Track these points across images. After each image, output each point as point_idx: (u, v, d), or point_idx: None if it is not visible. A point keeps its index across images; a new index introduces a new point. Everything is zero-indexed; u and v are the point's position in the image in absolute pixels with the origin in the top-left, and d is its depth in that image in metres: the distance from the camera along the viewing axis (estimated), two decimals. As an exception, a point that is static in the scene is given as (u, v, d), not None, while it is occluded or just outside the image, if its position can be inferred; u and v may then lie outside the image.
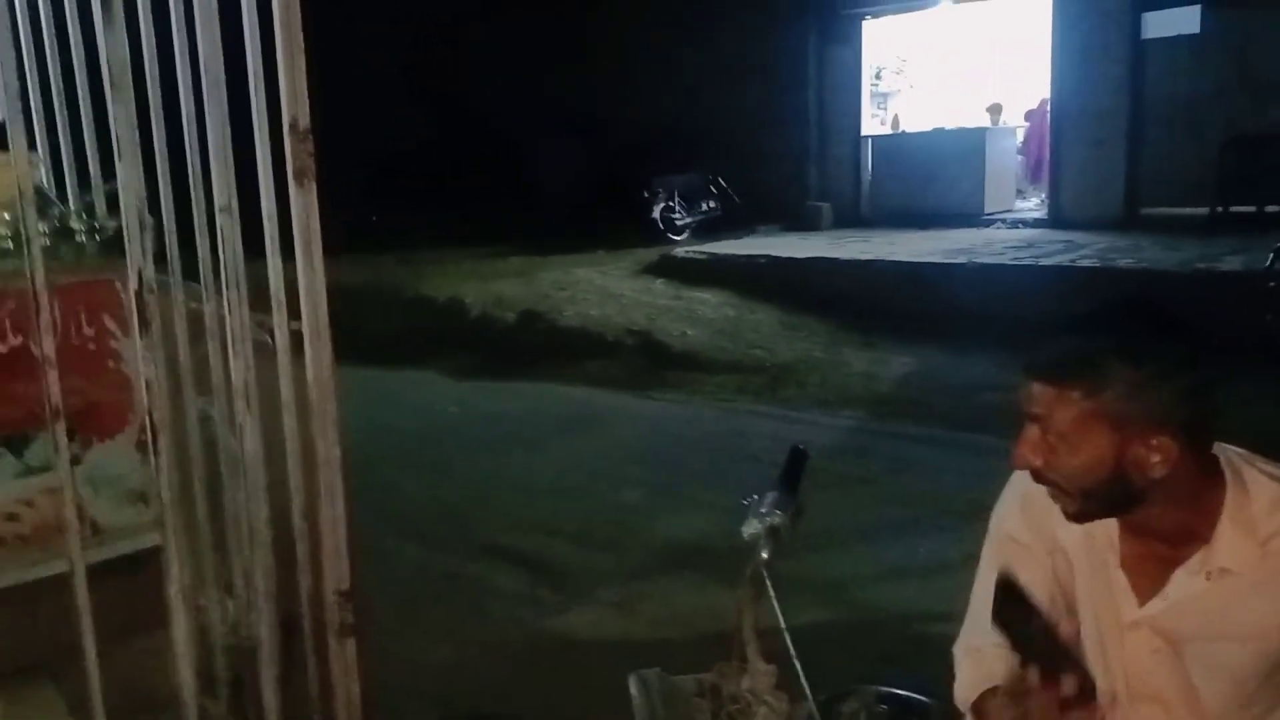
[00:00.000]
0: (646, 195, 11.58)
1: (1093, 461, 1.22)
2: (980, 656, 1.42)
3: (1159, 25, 10.21)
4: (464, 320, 9.03)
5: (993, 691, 1.37)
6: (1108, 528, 1.34)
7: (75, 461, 1.74)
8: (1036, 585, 1.38)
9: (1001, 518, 1.46)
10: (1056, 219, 10.83)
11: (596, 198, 12.62)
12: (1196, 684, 1.30)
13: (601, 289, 9.53)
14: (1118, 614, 1.35)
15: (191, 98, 1.93)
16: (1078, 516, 1.29)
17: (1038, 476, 1.29)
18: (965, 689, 1.43)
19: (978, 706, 1.41)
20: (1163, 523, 1.28)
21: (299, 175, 1.72)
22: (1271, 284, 6.41)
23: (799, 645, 1.38)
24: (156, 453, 1.68)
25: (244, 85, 1.78)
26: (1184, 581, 1.28)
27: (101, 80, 1.78)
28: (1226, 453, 1.28)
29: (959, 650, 1.48)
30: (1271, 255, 6.59)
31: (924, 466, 5.33)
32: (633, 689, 1.48)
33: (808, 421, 6.31)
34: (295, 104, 1.71)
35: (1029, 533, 1.41)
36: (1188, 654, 1.31)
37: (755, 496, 1.54)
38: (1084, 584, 1.38)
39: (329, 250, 1.80)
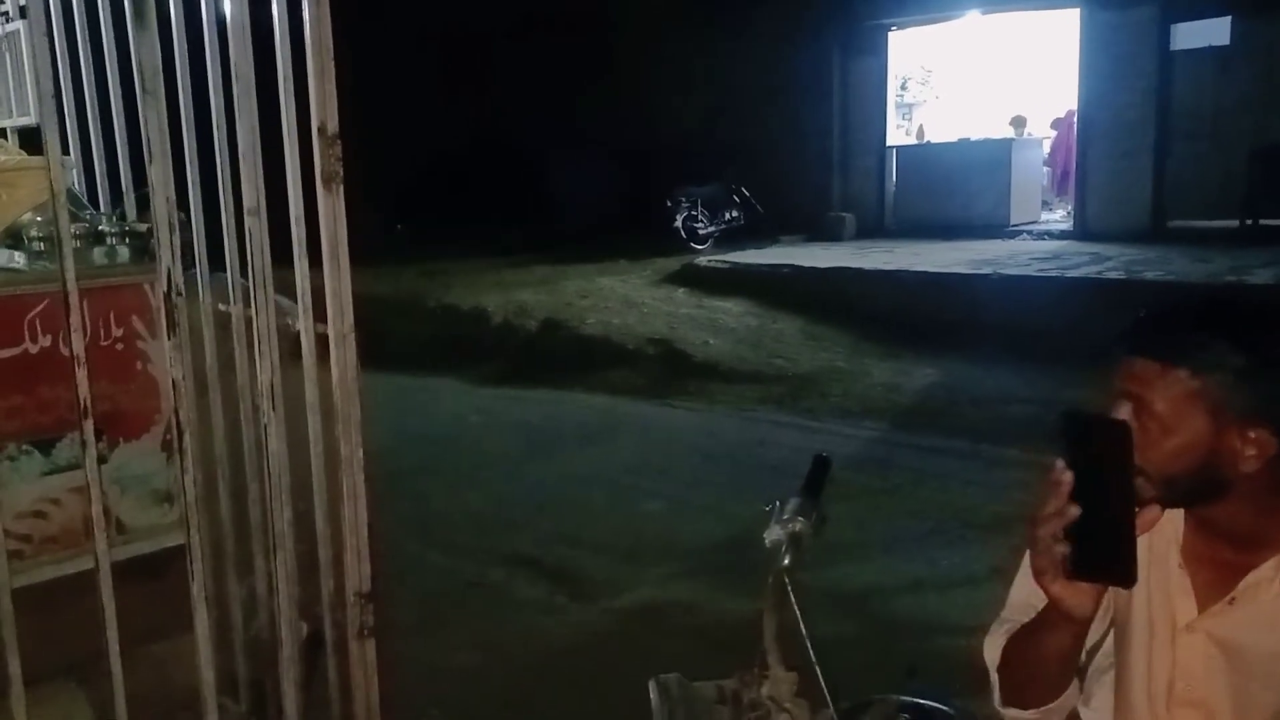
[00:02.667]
0: (669, 205, 11.60)
1: (1184, 446, 1.19)
2: (1010, 624, 1.39)
3: (1189, 37, 10.14)
4: (487, 329, 9.07)
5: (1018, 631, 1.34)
6: (1174, 523, 1.30)
7: (102, 460, 1.76)
8: None
9: None
10: (1083, 231, 10.75)
11: (620, 208, 12.66)
12: (1253, 694, 1.26)
13: (623, 298, 9.53)
14: (1173, 615, 1.31)
15: (222, 102, 1.96)
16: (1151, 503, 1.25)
17: None
18: (993, 648, 1.39)
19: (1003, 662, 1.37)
20: (1237, 523, 1.25)
21: (327, 179, 1.74)
22: (1302, 297, 6.33)
23: (821, 655, 1.37)
24: (181, 452, 1.70)
25: (274, 90, 1.80)
26: (1255, 587, 1.24)
27: (133, 85, 1.81)
28: None
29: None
30: (1302, 268, 6.51)
31: (947, 478, 5.28)
32: (652, 694, 1.47)
33: (829, 432, 6.28)
34: (324, 109, 1.73)
35: None
36: (1244, 663, 1.26)
37: (777, 503, 1.53)
38: (1139, 579, 1.35)
39: (354, 260, 1.81)
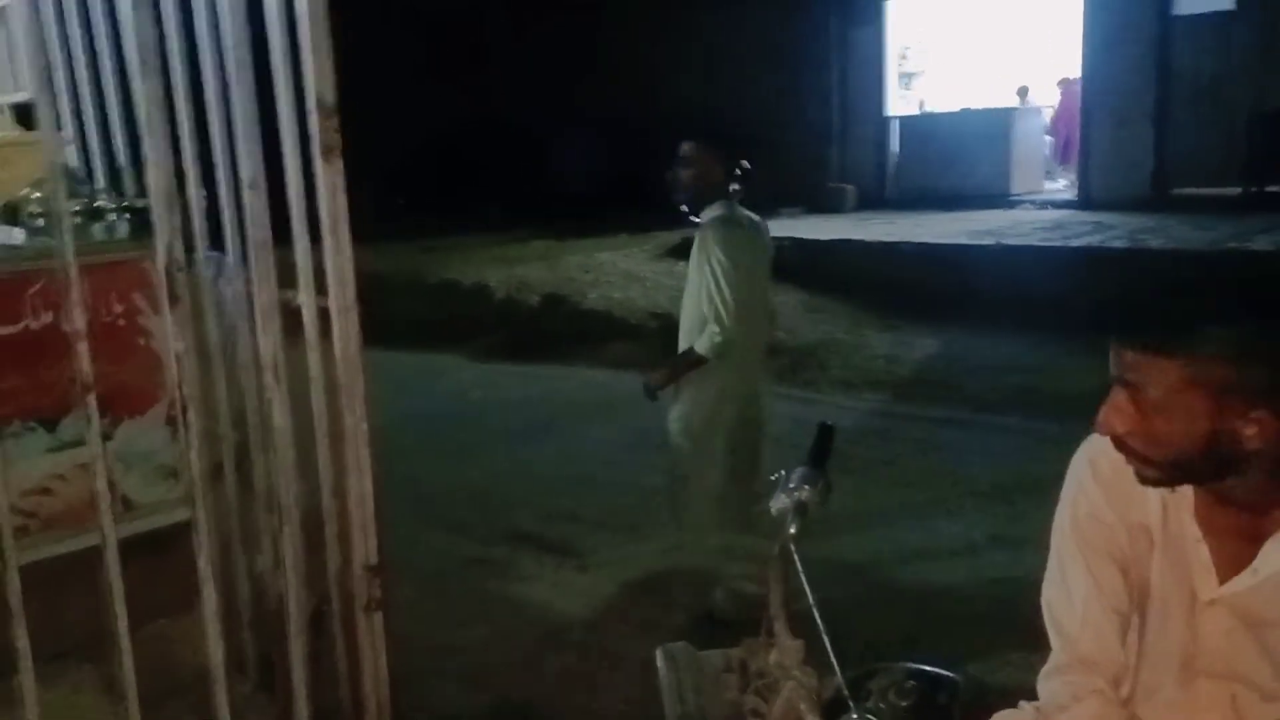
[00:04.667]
0: (669, 178, 11.51)
1: (1185, 431, 1.19)
2: (1080, 682, 1.34)
3: (1192, 2, 10.04)
4: (488, 304, 9.04)
5: None
6: (1187, 496, 1.30)
7: (106, 437, 1.76)
8: (1115, 563, 1.34)
9: (1077, 492, 1.39)
10: (1085, 200, 10.70)
11: (619, 182, 12.58)
12: (1277, 663, 1.26)
13: (625, 272, 9.50)
14: (1193, 589, 1.30)
15: (217, 76, 1.94)
16: (1157, 482, 1.26)
17: (1118, 444, 1.26)
18: (1057, 705, 1.34)
19: None
20: (1252, 493, 1.24)
21: (325, 152, 1.73)
22: (1305, 263, 6.31)
23: (827, 623, 1.37)
24: (186, 427, 1.70)
25: (269, 63, 1.78)
26: (1275, 554, 1.24)
27: (127, 60, 1.79)
28: None
29: (1062, 657, 1.37)
30: (1304, 235, 6.48)
31: (948, 448, 5.29)
32: (660, 664, 1.48)
33: (830, 403, 6.27)
34: (321, 81, 1.71)
35: (1111, 509, 1.35)
36: (1267, 632, 1.26)
37: (782, 473, 1.53)
38: (1159, 557, 1.33)
39: (354, 236, 1.80)
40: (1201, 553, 1.29)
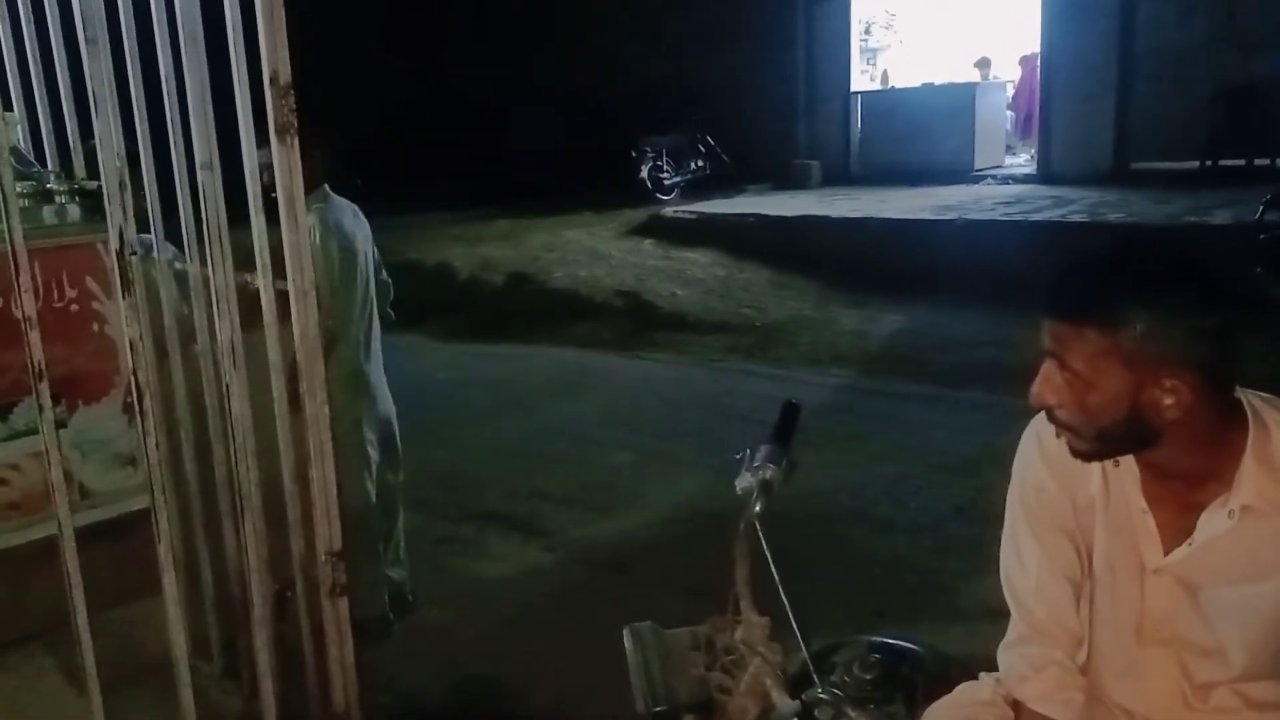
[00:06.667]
0: (634, 155, 11.49)
1: (1107, 400, 1.21)
2: (1036, 655, 1.38)
3: (1151, -24, 10.10)
4: (452, 284, 8.97)
5: None
6: (1132, 471, 1.32)
7: (61, 425, 1.72)
8: (1064, 534, 1.37)
9: (1025, 467, 1.42)
10: (1046, 174, 10.78)
11: (584, 159, 12.52)
12: (1223, 630, 1.29)
13: (590, 250, 9.47)
14: (1140, 558, 1.33)
15: (169, 52, 1.89)
16: (1088, 456, 1.29)
17: (1051, 416, 1.28)
18: (1016, 675, 1.39)
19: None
20: (1185, 465, 1.27)
21: (281, 131, 1.69)
22: (1261, 236, 6.40)
23: (792, 599, 1.38)
24: (142, 413, 1.67)
25: (223, 39, 1.74)
26: (1210, 522, 1.26)
27: (76, 35, 1.75)
28: (1247, 396, 1.27)
29: (1020, 628, 1.41)
30: (1261, 208, 6.57)
31: (915, 423, 5.34)
32: (627, 643, 1.48)
33: (798, 380, 6.31)
34: (276, 58, 1.67)
35: (1055, 483, 1.38)
36: (1214, 599, 1.29)
37: (748, 451, 1.53)
38: (1103, 527, 1.36)
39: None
40: (1147, 523, 1.32)
